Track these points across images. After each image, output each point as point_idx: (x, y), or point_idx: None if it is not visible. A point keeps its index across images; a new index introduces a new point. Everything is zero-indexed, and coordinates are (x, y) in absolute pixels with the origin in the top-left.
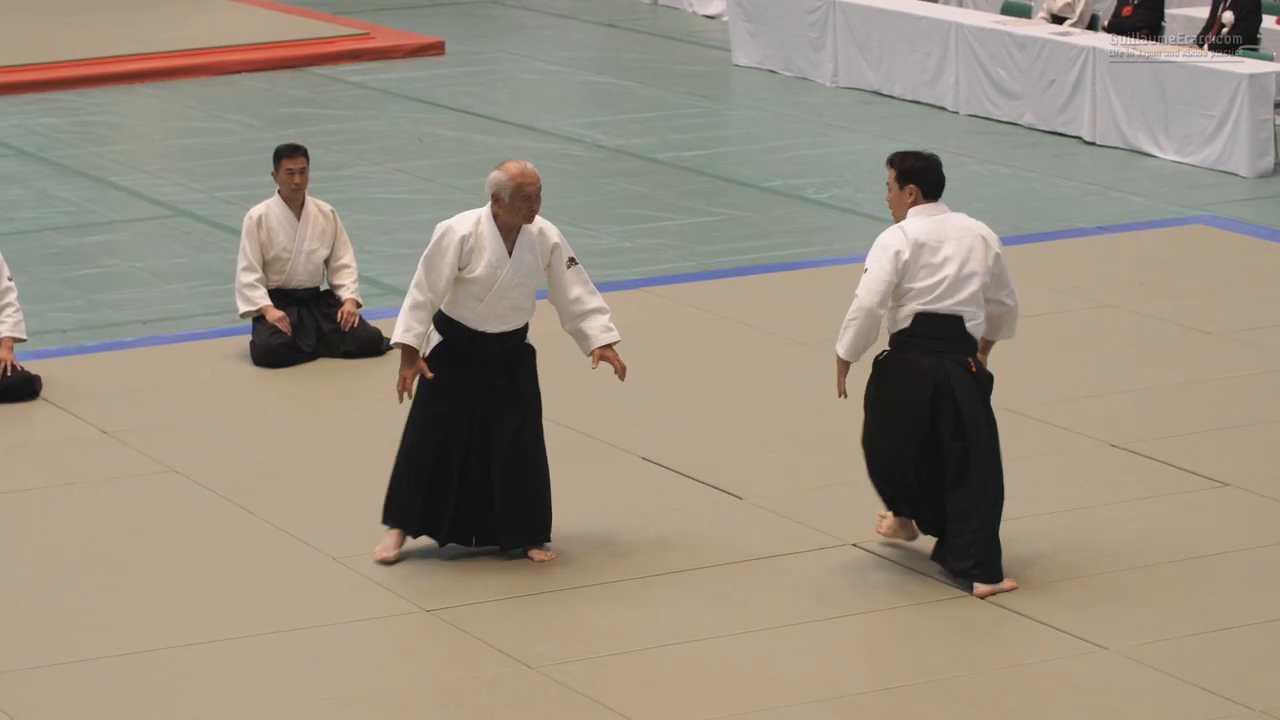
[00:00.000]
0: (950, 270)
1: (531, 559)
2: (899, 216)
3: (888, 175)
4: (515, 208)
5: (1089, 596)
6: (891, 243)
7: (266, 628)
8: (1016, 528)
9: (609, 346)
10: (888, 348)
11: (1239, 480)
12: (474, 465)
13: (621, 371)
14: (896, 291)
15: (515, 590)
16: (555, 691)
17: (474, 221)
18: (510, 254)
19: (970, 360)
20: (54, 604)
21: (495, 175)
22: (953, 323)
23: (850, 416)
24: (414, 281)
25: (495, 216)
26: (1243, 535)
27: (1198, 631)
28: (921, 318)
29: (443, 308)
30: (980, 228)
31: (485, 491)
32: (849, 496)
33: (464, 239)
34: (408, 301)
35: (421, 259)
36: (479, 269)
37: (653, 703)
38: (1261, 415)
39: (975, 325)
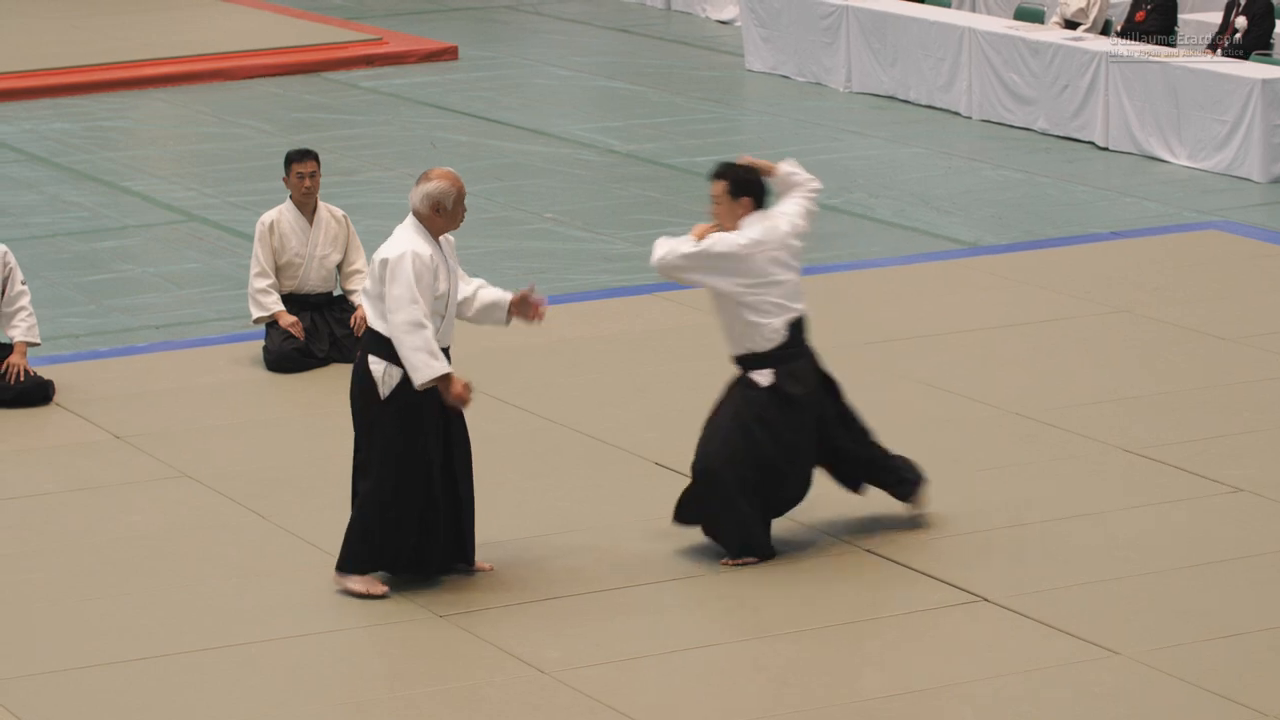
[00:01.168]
0: (795, 273)
1: (483, 570)
2: (729, 227)
3: (714, 188)
4: (456, 214)
5: (1102, 602)
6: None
7: (280, 633)
8: (1029, 533)
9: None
10: (771, 372)
11: (1252, 485)
12: (448, 487)
13: (542, 304)
14: (755, 302)
15: (528, 596)
16: (568, 697)
17: (421, 241)
18: (447, 263)
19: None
20: (67, 609)
21: (437, 186)
22: (805, 323)
23: (869, 422)
24: (415, 317)
25: (431, 228)
26: (1256, 540)
27: (1211, 636)
28: (794, 325)
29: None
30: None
31: (456, 511)
32: (864, 501)
33: (431, 257)
34: (418, 339)
35: (406, 296)
36: (443, 284)
37: (666, 708)
38: (1274, 420)
39: None
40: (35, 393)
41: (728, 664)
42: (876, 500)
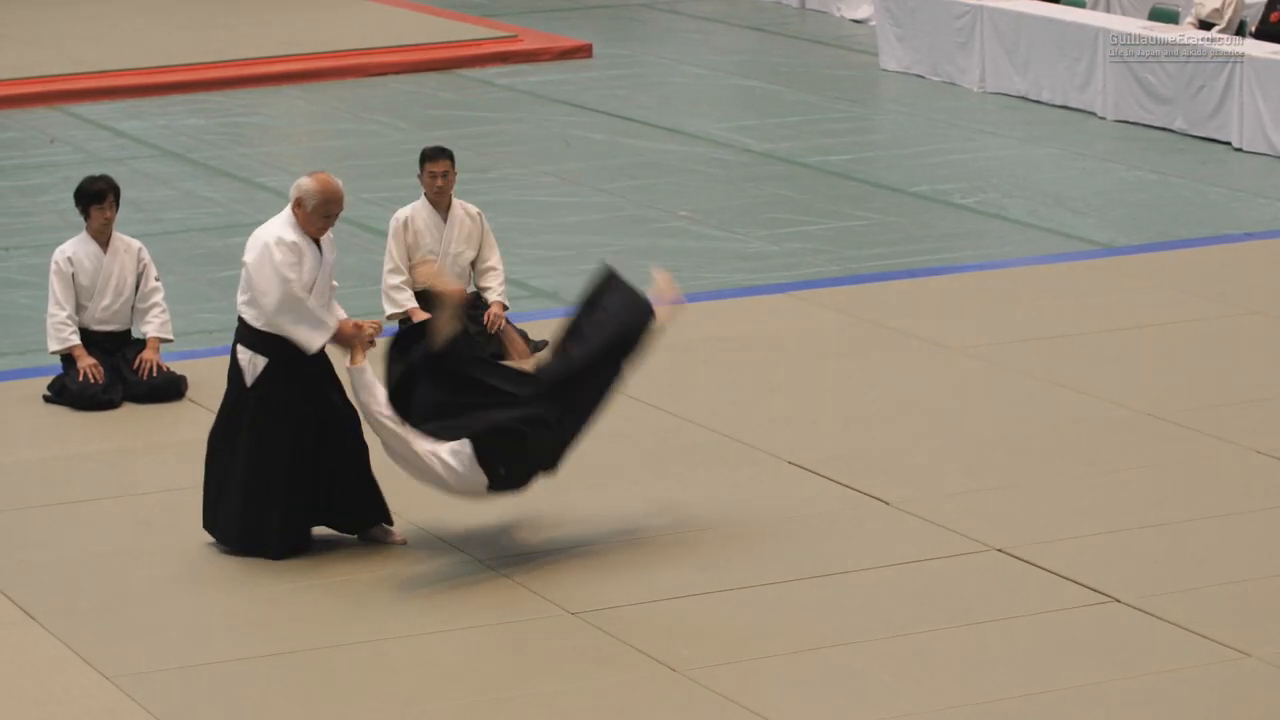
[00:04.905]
0: None
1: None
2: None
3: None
4: (314, 218)
5: (1235, 603)
6: None
7: (409, 630)
8: (1161, 534)
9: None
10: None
11: None
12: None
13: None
14: None
15: (660, 593)
16: (699, 695)
17: (287, 228)
18: (320, 259)
19: None
20: (200, 604)
21: (306, 182)
22: None
23: (996, 421)
24: (287, 293)
25: (297, 219)
26: None
27: None
28: None
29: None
30: None
31: (332, 485)
32: (995, 501)
33: (294, 244)
34: (295, 314)
35: (274, 278)
36: (307, 274)
37: (798, 707)
38: None
39: None
40: (168, 388)
41: (858, 663)
42: (1013, 503)
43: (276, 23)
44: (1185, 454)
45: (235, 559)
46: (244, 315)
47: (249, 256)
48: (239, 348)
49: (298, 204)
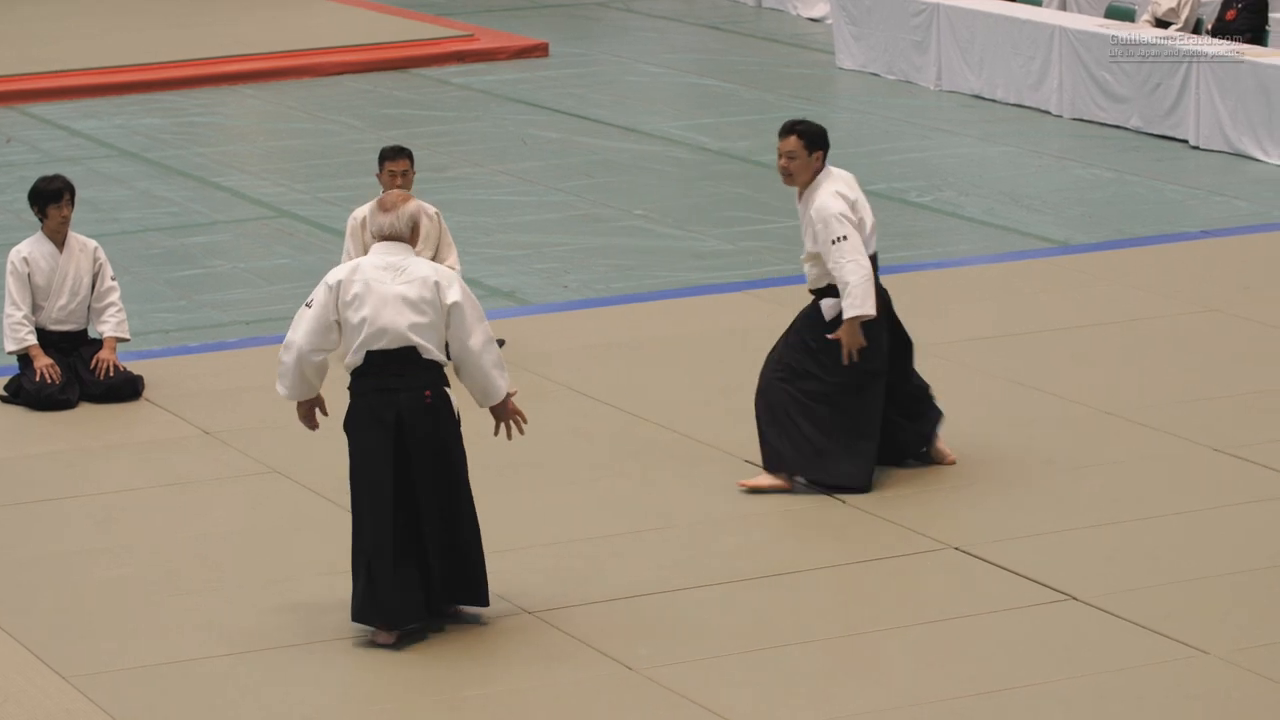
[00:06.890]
0: (867, 212)
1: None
2: (804, 179)
3: (788, 143)
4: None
5: (1191, 601)
6: (844, 209)
7: (370, 630)
8: (1118, 531)
9: None
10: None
11: None
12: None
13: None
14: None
15: (616, 592)
16: (657, 694)
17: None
18: None
19: None
20: (156, 604)
21: (414, 206)
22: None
23: (953, 419)
24: (491, 334)
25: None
26: None
27: None
28: (873, 259)
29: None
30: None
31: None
32: (952, 501)
33: None
34: (498, 355)
35: (479, 313)
36: None
37: (754, 706)
38: None
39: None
40: (125, 388)
41: (816, 662)
42: (970, 502)
43: (232, 22)
44: (1142, 452)
45: (194, 558)
46: (435, 357)
47: (453, 294)
48: (447, 391)
49: (415, 230)
